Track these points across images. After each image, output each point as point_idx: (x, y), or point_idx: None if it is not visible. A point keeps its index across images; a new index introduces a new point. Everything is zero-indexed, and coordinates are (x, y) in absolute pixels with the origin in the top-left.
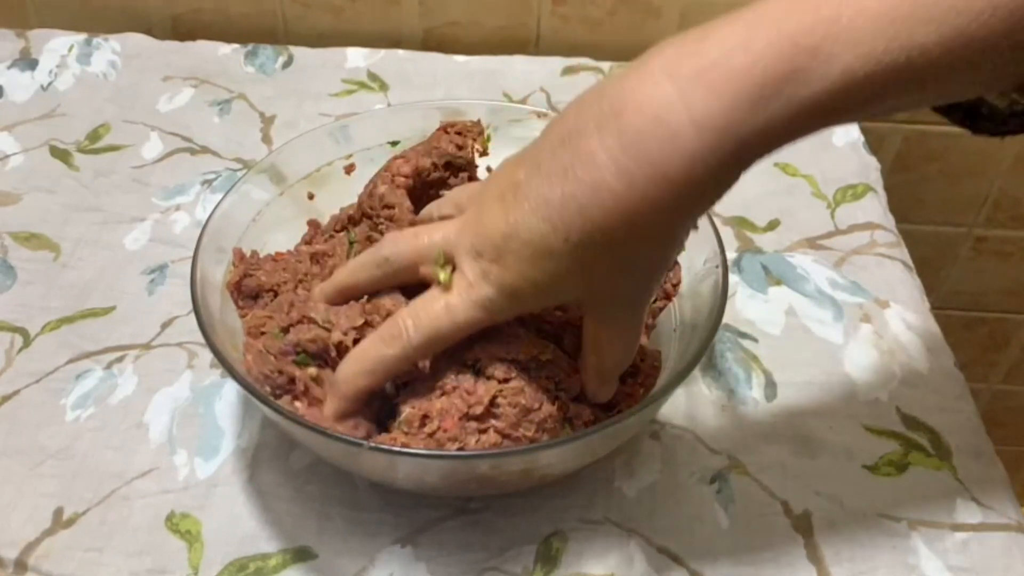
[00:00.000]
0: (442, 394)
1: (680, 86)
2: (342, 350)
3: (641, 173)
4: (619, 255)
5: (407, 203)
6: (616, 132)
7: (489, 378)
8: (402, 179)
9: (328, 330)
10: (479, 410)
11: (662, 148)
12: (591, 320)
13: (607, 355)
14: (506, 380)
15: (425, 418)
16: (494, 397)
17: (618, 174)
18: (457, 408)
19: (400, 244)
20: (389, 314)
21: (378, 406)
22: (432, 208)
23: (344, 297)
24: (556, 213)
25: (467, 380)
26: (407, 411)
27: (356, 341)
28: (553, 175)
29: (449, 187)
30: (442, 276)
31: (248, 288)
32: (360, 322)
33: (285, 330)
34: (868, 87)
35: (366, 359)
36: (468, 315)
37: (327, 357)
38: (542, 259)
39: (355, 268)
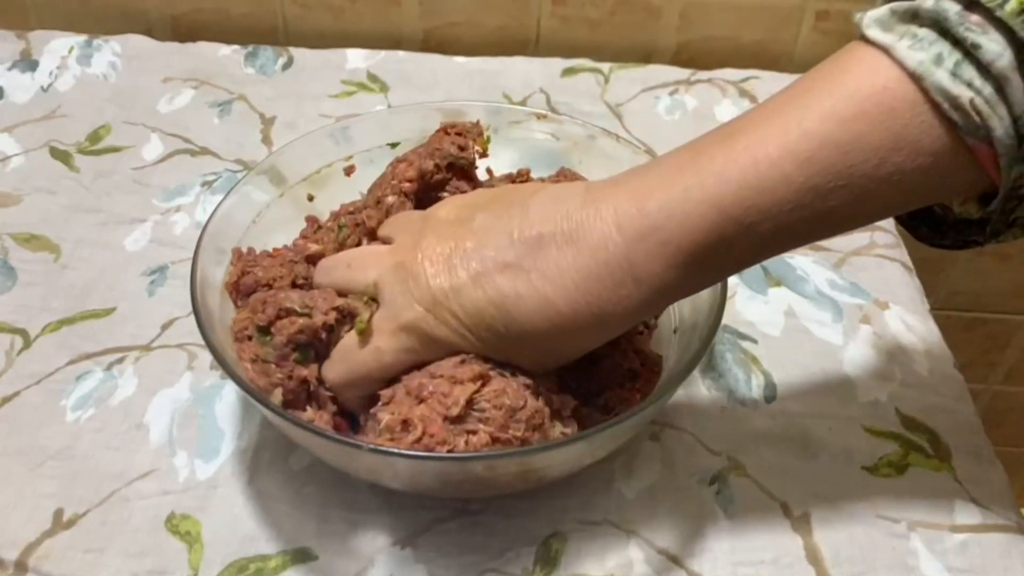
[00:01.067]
0: (420, 401)
1: (626, 241)
2: (328, 330)
3: (585, 307)
4: (545, 349)
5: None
6: (572, 261)
7: (462, 382)
8: (407, 184)
9: (310, 315)
10: (456, 411)
11: (607, 292)
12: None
13: None
14: (478, 380)
15: (406, 423)
16: (472, 399)
17: (567, 300)
18: (437, 412)
19: (334, 275)
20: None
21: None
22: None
23: None
24: (504, 303)
25: (443, 385)
26: (386, 418)
27: (339, 320)
28: (509, 268)
29: (451, 188)
30: (359, 325)
31: (246, 286)
32: (339, 303)
33: (265, 330)
34: (785, 245)
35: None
36: (394, 359)
37: (319, 344)
38: (478, 329)
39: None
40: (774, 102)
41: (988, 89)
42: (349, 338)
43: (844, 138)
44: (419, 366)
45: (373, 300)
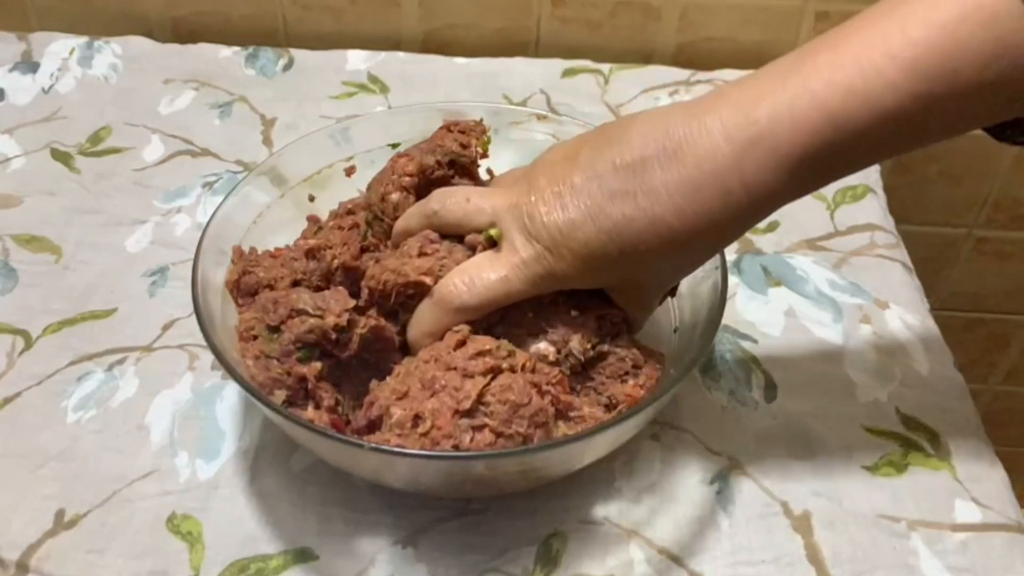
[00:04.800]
0: (432, 394)
1: (735, 150)
2: (340, 331)
3: (695, 217)
4: (661, 265)
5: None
6: (678, 177)
7: (472, 376)
8: (407, 179)
9: (321, 316)
10: (467, 404)
11: (716, 201)
12: (616, 295)
13: None
14: (490, 373)
15: (417, 418)
16: (481, 393)
17: (676, 214)
18: (448, 406)
19: (449, 202)
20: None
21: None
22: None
23: (400, 238)
24: (615, 229)
25: (455, 378)
26: (398, 413)
27: (351, 322)
28: (616, 195)
29: (452, 186)
30: (493, 232)
31: (247, 285)
32: (351, 304)
33: (275, 329)
34: (892, 149)
35: (425, 323)
36: (520, 287)
37: (327, 344)
38: (595, 260)
39: (408, 215)
40: (876, 10)
41: None
42: (481, 265)
43: (947, 43)
44: (534, 299)
45: (492, 240)
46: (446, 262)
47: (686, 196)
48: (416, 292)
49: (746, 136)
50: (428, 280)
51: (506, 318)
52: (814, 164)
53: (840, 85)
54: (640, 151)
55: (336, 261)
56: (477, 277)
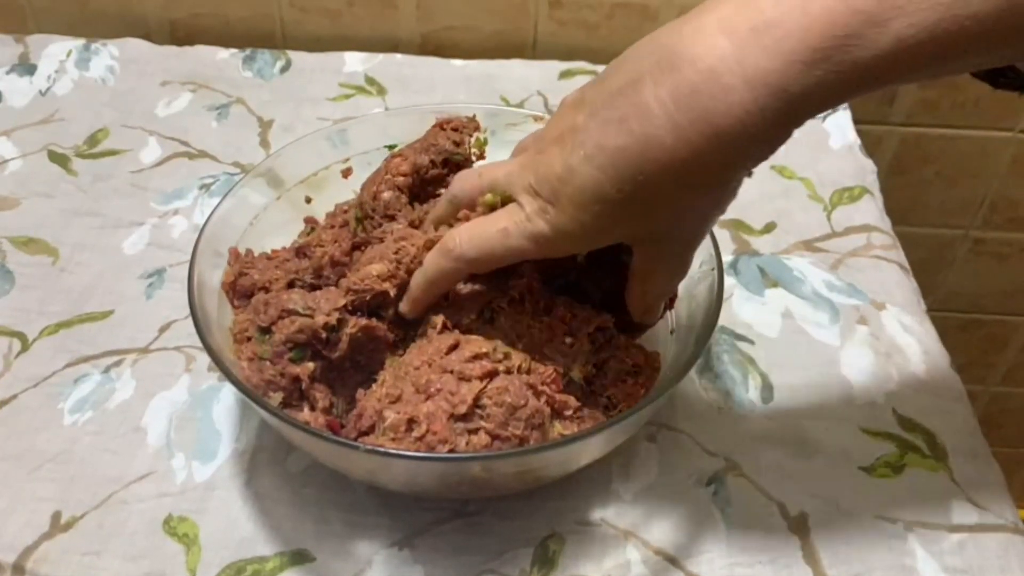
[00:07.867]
0: (427, 398)
1: (736, 43)
2: (330, 331)
3: (693, 128)
4: (671, 204)
5: (409, 208)
6: (670, 86)
7: (469, 379)
8: (401, 178)
9: (311, 316)
10: (463, 409)
11: (714, 104)
12: (640, 254)
13: (652, 286)
14: (487, 377)
15: (411, 422)
16: (478, 396)
17: (670, 129)
18: (443, 410)
19: (466, 183)
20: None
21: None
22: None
23: (437, 226)
24: (609, 163)
25: (450, 381)
26: (391, 418)
27: (341, 322)
28: (608, 125)
29: (447, 185)
30: (489, 198)
31: (243, 287)
32: (342, 303)
33: (266, 330)
34: (919, 55)
35: (426, 267)
36: (520, 243)
37: (318, 344)
38: (595, 204)
39: (438, 203)
40: None
41: None
42: (485, 219)
43: None
44: (533, 261)
45: (504, 198)
46: (406, 247)
47: (680, 105)
48: (382, 297)
49: (749, 26)
50: (388, 286)
51: None
52: (831, 55)
53: None
54: (634, 71)
55: (325, 257)
56: (478, 228)
